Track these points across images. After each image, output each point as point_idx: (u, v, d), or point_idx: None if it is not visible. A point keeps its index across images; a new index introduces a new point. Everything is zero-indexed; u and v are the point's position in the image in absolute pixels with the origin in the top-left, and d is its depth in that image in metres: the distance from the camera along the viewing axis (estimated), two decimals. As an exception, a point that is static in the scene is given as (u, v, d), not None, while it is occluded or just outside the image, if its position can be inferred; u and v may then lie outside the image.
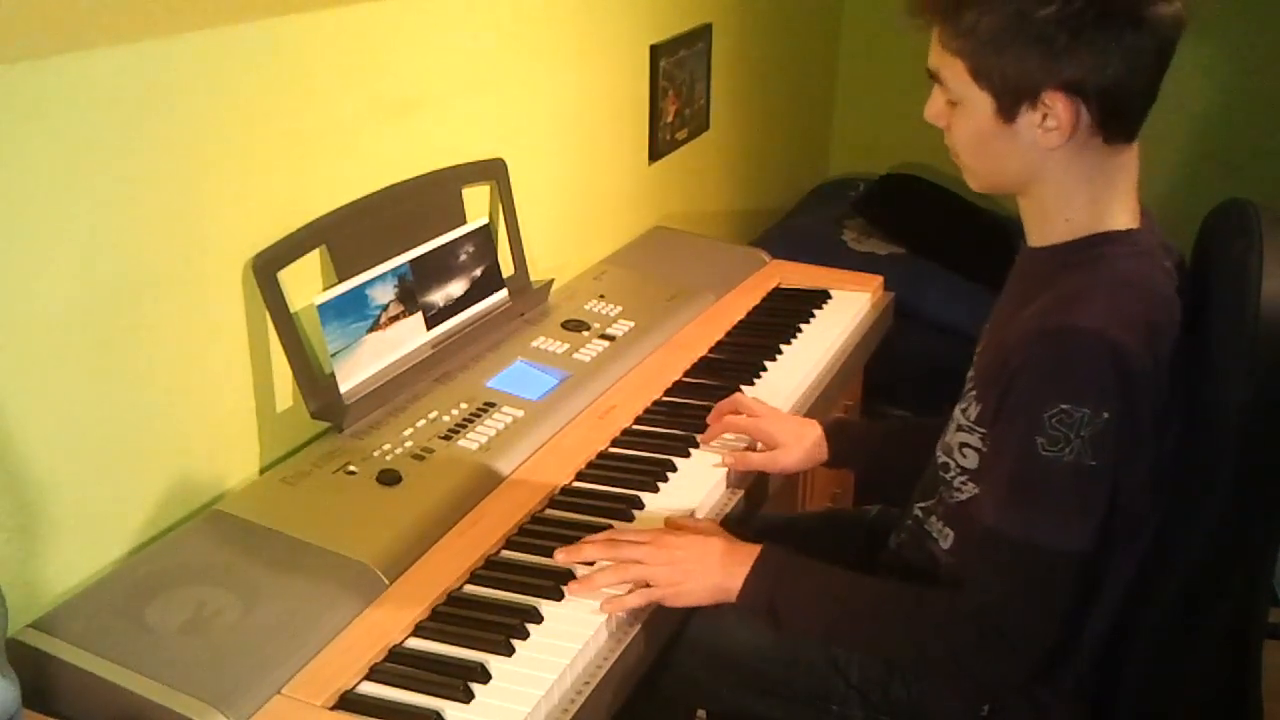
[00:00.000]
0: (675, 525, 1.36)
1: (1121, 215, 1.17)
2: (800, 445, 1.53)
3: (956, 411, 1.28)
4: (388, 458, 1.44)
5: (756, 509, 1.58)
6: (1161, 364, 1.10)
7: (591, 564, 1.29)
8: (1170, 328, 1.13)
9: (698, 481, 1.48)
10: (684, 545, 1.28)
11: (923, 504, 1.36)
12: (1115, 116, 1.12)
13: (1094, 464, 1.08)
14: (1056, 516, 1.11)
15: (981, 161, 1.21)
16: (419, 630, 1.21)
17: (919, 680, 1.29)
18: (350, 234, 1.52)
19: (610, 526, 1.37)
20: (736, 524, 1.47)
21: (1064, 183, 1.17)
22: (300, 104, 1.44)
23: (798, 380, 1.77)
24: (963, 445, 1.26)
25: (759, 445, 1.56)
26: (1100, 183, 1.17)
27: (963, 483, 1.26)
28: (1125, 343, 1.07)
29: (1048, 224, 1.21)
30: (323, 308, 1.46)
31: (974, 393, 1.25)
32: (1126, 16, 1.08)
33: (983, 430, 1.21)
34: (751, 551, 1.27)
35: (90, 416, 1.24)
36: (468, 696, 1.11)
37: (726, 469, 1.51)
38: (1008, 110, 1.14)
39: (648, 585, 1.25)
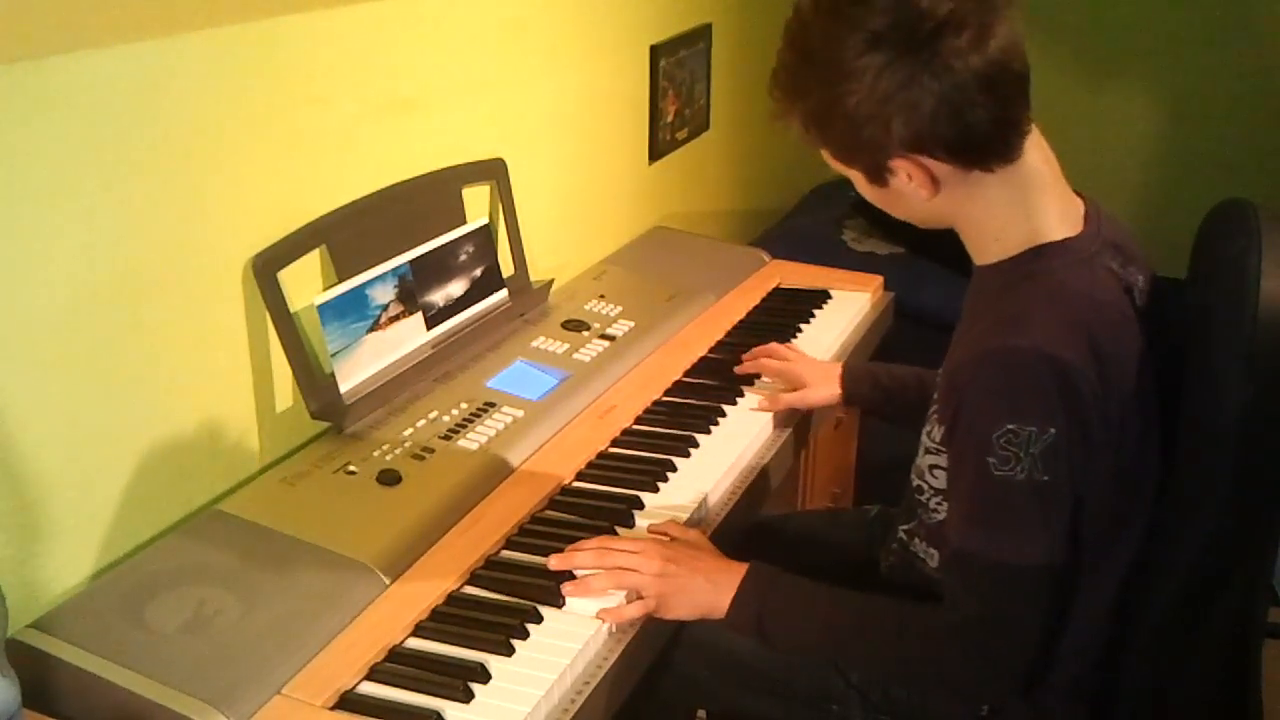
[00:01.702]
0: (661, 532, 1.35)
1: (1053, 223, 1.16)
2: (827, 383, 1.66)
3: (924, 435, 1.29)
4: (388, 458, 1.44)
5: (757, 509, 1.58)
6: (1111, 370, 1.10)
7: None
8: (1116, 331, 1.12)
9: (698, 481, 1.48)
10: (675, 558, 1.27)
11: (905, 527, 1.36)
12: (971, 152, 1.12)
13: (1047, 479, 1.09)
14: (1017, 534, 1.11)
15: (897, 212, 1.24)
16: (419, 630, 1.21)
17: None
18: (350, 234, 1.52)
19: (611, 527, 1.37)
20: (737, 522, 1.47)
21: (975, 214, 1.19)
22: (300, 104, 1.44)
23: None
24: (932, 467, 1.26)
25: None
26: (1010, 201, 1.17)
27: (938, 504, 1.27)
28: (1065, 357, 1.07)
29: (981, 247, 1.22)
30: (323, 308, 1.46)
31: (935, 415, 1.25)
32: (927, 72, 1.08)
33: (946, 450, 1.22)
34: (739, 570, 1.27)
35: (90, 416, 1.24)
36: (468, 696, 1.11)
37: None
38: (876, 179, 1.18)
39: (640, 594, 1.25)
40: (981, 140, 1.11)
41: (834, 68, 1.11)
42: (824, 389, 1.66)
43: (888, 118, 1.10)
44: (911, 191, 1.16)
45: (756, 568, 1.27)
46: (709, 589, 1.26)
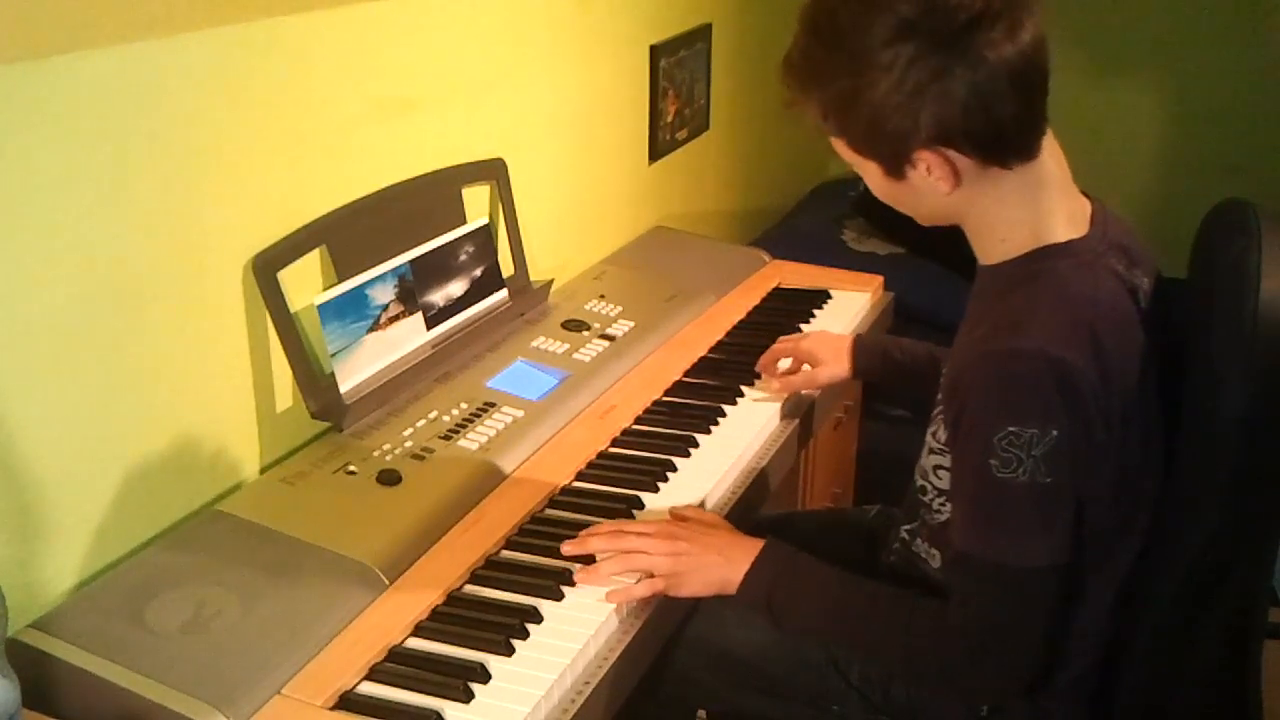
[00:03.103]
0: (680, 515, 1.36)
1: (1059, 225, 1.16)
2: (836, 359, 1.67)
3: (928, 435, 1.29)
4: (388, 458, 1.44)
5: (756, 509, 1.58)
6: (1113, 372, 1.10)
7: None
8: (1119, 333, 1.12)
9: (698, 481, 1.48)
10: (688, 535, 1.28)
11: (908, 526, 1.36)
12: (995, 147, 1.12)
13: (1049, 481, 1.09)
14: (1020, 536, 1.11)
15: (905, 207, 1.23)
16: (419, 630, 1.21)
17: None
18: (350, 234, 1.52)
19: (610, 526, 1.37)
20: (737, 522, 1.47)
21: (986, 211, 1.18)
22: (300, 104, 1.44)
23: (798, 380, 1.77)
24: (936, 468, 1.26)
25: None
26: (1022, 201, 1.16)
27: (941, 504, 1.27)
28: (1067, 359, 1.07)
29: (987, 247, 1.21)
30: (323, 308, 1.46)
31: (940, 415, 1.25)
32: (962, 63, 1.07)
33: (950, 452, 1.22)
34: (754, 545, 1.27)
35: (90, 417, 1.24)
36: (468, 696, 1.11)
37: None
38: (894, 171, 1.16)
39: (652, 574, 1.26)
40: (1007, 135, 1.11)
41: (861, 55, 1.09)
42: (833, 366, 1.66)
43: (917, 108, 1.08)
44: (929, 186, 1.15)
45: (773, 544, 1.27)
46: (722, 564, 1.26)
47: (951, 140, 1.10)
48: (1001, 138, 1.11)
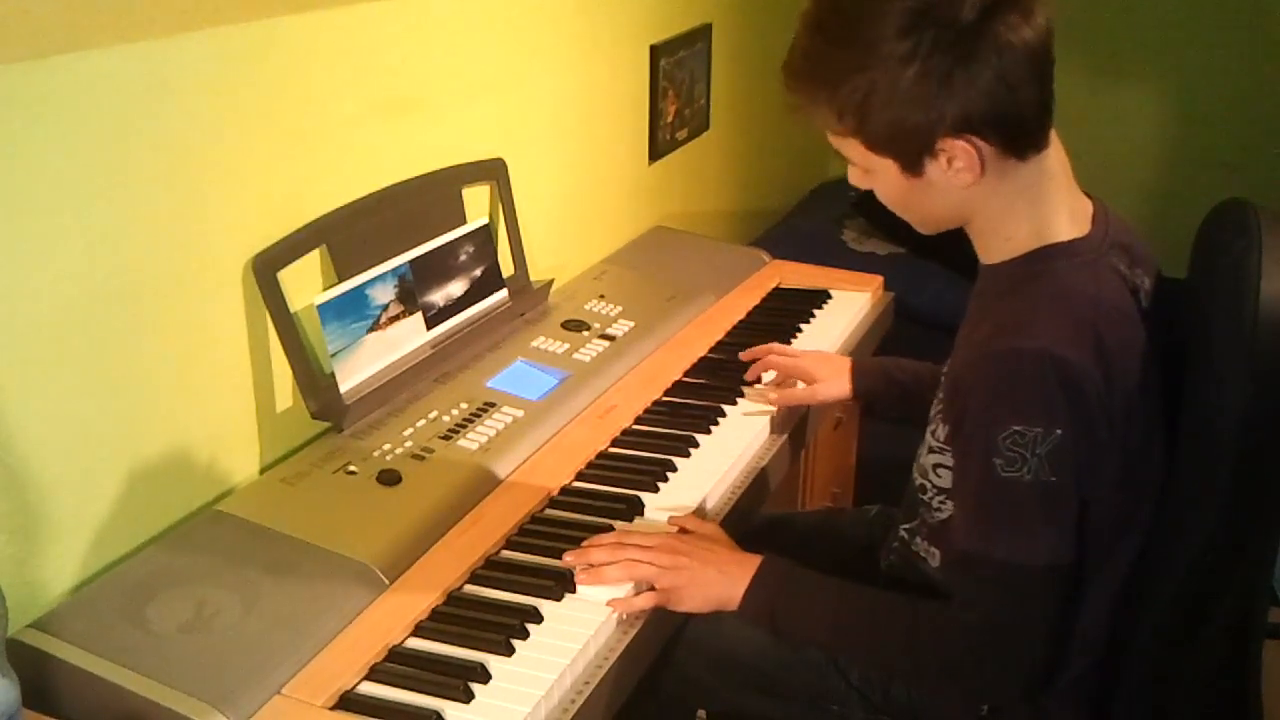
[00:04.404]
0: (679, 524, 1.36)
1: (1062, 224, 1.16)
2: (837, 378, 1.64)
3: (928, 433, 1.29)
4: (388, 458, 1.44)
5: (756, 509, 1.58)
6: (1116, 371, 1.10)
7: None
8: (1122, 332, 1.12)
9: (698, 481, 1.48)
10: (689, 551, 1.28)
11: (907, 525, 1.36)
12: (1016, 136, 1.12)
13: (1054, 479, 1.09)
14: (1025, 535, 1.11)
15: (914, 212, 1.22)
16: (419, 630, 1.21)
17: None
18: (350, 234, 1.52)
19: (611, 527, 1.37)
20: (737, 522, 1.47)
21: (996, 208, 1.17)
22: (300, 104, 1.44)
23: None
24: (936, 466, 1.26)
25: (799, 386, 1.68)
26: (1030, 198, 1.16)
27: (941, 502, 1.27)
28: (1070, 358, 1.07)
29: (991, 245, 1.21)
30: (323, 308, 1.46)
31: (941, 413, 1.25)
32: (988, 47, 1.06)
33: (951, 450, 1.22)
34: (752, 561, 1.27)
35: (90, 416, 1.24)
36: (468, 696, 1.11)
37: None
38: (912, 167, 1.14)
39: (652, 587, 1.26)
40: (1028, 121, 1.11)
41: (875, 48, 1.08)
42: (834, 384, 1.64)
43: (943, 98, 1.07)
44: (946, 181, 1.14)
45: (770, 560, 1.27)
46: (722, 581, 1.26)
47: (976, 128, 1.10)
48: (1024, 124, 1.11)
